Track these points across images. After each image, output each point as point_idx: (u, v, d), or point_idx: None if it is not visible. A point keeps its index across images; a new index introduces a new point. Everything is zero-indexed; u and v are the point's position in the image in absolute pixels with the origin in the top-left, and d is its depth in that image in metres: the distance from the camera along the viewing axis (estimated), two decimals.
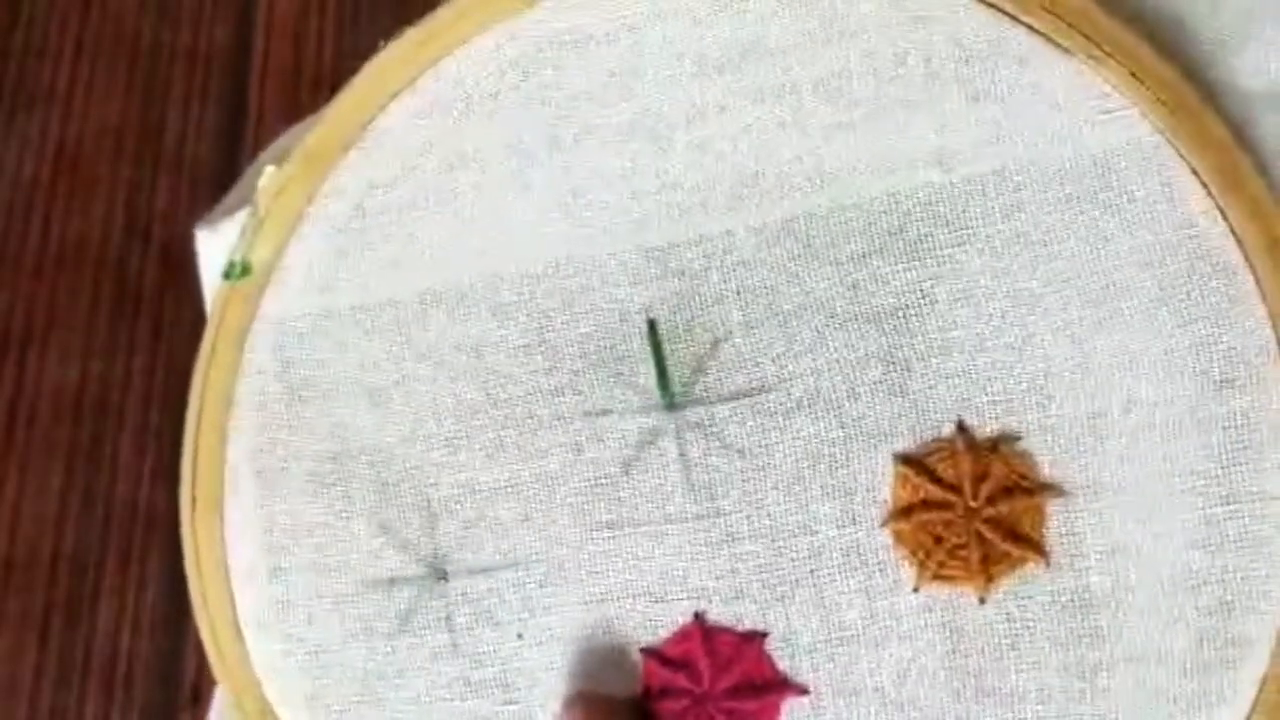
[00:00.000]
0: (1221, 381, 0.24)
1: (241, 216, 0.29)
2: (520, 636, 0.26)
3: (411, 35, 0.28)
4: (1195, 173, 0.24)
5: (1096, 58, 0.24)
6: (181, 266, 0.44)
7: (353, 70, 0.47)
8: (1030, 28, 0.25)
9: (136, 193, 0.45)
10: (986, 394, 0.24)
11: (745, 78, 0.25)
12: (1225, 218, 0.24)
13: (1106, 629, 0.24)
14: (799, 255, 0.25)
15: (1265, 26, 0.25)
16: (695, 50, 0.26)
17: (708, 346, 0.26)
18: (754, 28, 0.26)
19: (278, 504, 0.27)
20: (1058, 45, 0.25)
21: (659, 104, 0.26)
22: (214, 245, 0.30)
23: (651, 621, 0.26)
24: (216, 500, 0.28)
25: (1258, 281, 0.24)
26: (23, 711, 0.39)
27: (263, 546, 0.28)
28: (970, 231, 0.25)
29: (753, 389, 0.25)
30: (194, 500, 0.28)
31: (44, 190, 0.46)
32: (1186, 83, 0.24)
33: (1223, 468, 0.24)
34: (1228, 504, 0.24)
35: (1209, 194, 0.24)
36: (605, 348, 0.26)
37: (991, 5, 0.25)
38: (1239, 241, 0.24)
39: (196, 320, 0.43)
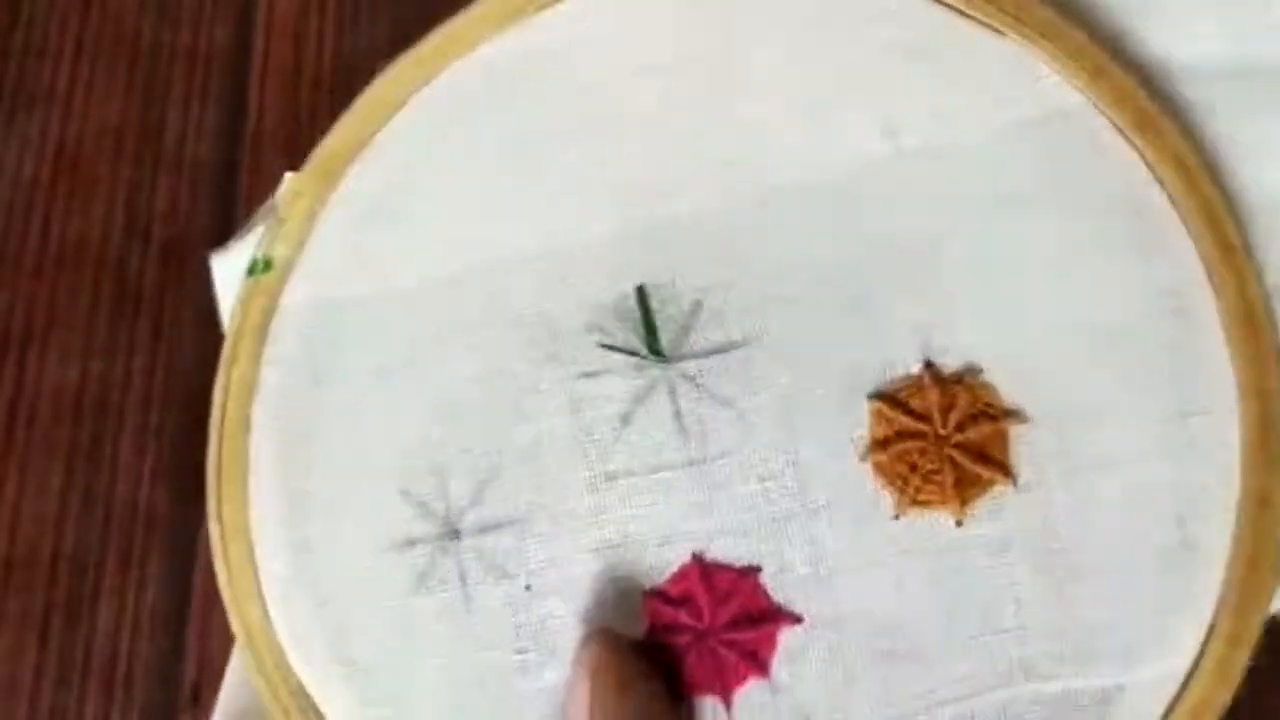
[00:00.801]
0: (1160, 309, 0.27)
1: (251, 237, 0.32)
2: (528, 588, 0.28)
3: (416, 50, 0.31)
4: (1118, 128, 0.28)
5: (1028, 38, 0.28)
6: (181, 266, 0.44)
7: (352, 69, 0.47)
8: (973, 18, 0.28)
9: (136, 193, 0.45)
10: (949, 334, 0.27)
11: (712, 76, 0.29)
12: (1148, 165, 0.27)
13: (1073, 542, 0.26)
14: (771, 223, 0.28)
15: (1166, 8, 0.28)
16: (666, 53, 0.29)
17: (691, 307, 0.28)
18: (711, 32, 0.29)
19: (299, 479, 0.30)
20: (995, 30, 0.28)
21: (633, 100, 0.29)
22: (228, 268, 0.33)
23: (653, 565, 0.28)
24: (241, 481, 0.30)
25: (1182, 219, 0.27)
26: (23, 711, 0.39)
27: (285, 520, 0.29)
28: (924, 192, 0.28)
29: (733, 343, 0.28)
30: (219, 483, 0.30)
31: (44, 190, 0.46)
32: (1103, 52, 0.28)
33: (1169, 386, 0.26)
34: (1173, 420, 0.26)
35: (1131, 144, 0.28)
36: (597, 315, 0.29)
37: (939, 2, 0.28)
38: (1161, 184, 0.27)
39: (196, 320, 0.44)
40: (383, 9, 0.47)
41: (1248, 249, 0.27)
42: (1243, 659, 0.26)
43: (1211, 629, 0.26)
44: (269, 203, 0.34)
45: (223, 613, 0.39)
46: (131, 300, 0.44)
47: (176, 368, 0.43)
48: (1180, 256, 0.27)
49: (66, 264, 0.44)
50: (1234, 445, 0.26)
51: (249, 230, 0.33)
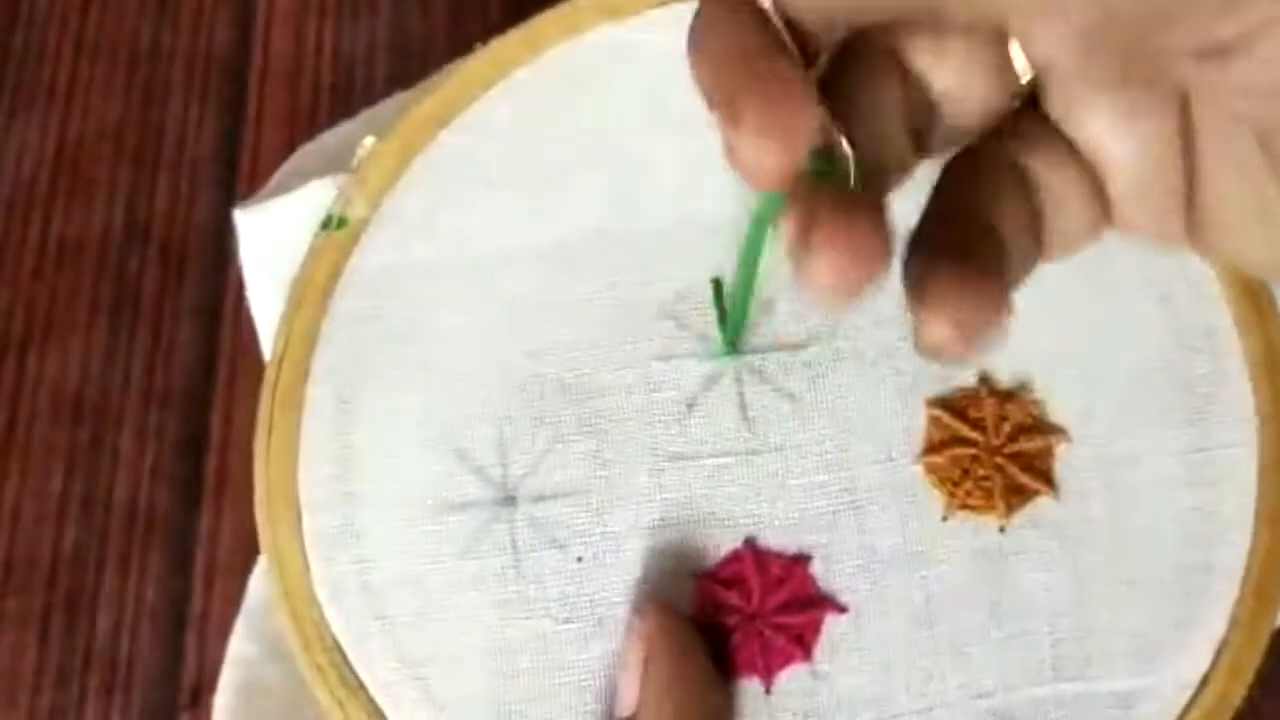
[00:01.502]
0: (1189, 348, 0.29)
1: (281, 200, 0.32)
2: (580, 560, 0.28)
3: (521, 29, 0.32)
4: None
5: None
6: (181, 266, 0.44)
7: (351, 69, 0.47)
8: None
9: (136, 193, 0.45)
10: (1004, 351, 0.29)
11: None
12: None
13: (1104, 555, 0.28)
14: None
15: None
16: None
17: (764, 304, 0.29)
18: None
19: (357, 432, 0.30)
20: None
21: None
22: (252, 225, 0.33)
23: (705, 547, 0.28)
24: (293, 428, 0.30)
25: (1216, 271, 0.30)
26: (23, 711, 0.39)
27: (335, 473, 0.30)
28: None
29: (803, 342, 0.29)
30: (270, 431, 0.30)
31: (44, 190, 0.46)
32: None
33: (1197, 417, 0.28)
34: (1200, 450, 0.28)
35: None
36: (671, 301, 0.30)
37: None
38: None
39: (197, 320, 0.44)
40: (382, 10, 0.47)
41: (1272, 298, 0.30)
42: (1251, 669, 0.27)
43: (1224, 641, 0.28)
44: (286, 166, 0.35)
45: (223, 612, 0.39)
46: (131, 300, 0.44)
47: (176, 368, 0.43)
48: (1213, 302, 0.30)
49: (66, 264, 0.45)
50: (1252, 473, 0.29)
51: (272, 191, 0.34)
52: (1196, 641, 0.27)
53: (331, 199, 0.31)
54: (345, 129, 0.36)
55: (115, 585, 0.40)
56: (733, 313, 0.29)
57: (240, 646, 0.33)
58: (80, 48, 0.48)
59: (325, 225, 0.31)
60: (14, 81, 0.47)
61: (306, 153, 0.35)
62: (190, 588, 0.40)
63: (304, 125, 0.45)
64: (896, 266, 0.28)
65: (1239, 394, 0.29)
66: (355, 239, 0.31)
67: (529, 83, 0.32)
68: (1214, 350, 0.29)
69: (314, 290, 0.31)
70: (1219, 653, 0.27)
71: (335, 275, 0.31)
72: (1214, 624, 0.28)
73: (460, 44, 0.38)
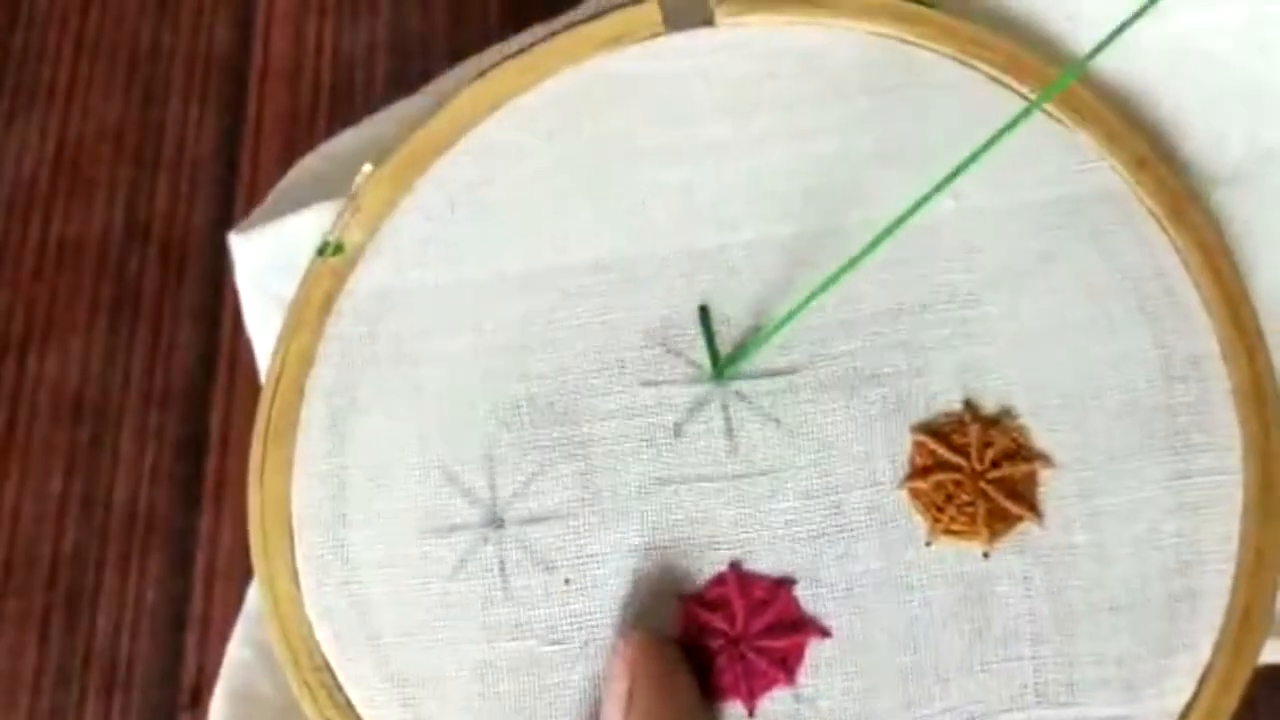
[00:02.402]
0: (1175, 375, 0.29)
1: (275, 224, 0.33)
2: (568, 582, 0.29)
3: (520, 58, 0.32)
4: (1154, 215, 0.30)
5: (1078, 123, 0.31)
6: (181, 266, 0.44)
7: (351, 69, 0.47)
8: (1026, 98, 0.31)
9: (136, 193, 0.45)
10: (991, 378, 0.29)
11: (796, 119, 0.31)
12: (1177, 249, 0.30)
13: (1089, 581, 0.28)
14: (834, 257, 0.29)
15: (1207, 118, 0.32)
16: (752, 96, 0.32)
17: (751, 331, 0.30)
18: (799, 81, 0.32)
19: (350, 455, 0.30)
20: (1047, 113, 0.31)
21: (717, 132, 0.31)
22: (247, 249, 0.34)
23: (691, 570, 0.29)
24: (288, 449, 0.30)
25: (1203, 299, 0.30)
26: (23, 711, 0.39)
27: (329, 493, 0.30)
28: (978, 249, 0.30)
29: (790, 368, 0.30)
30: (264, 451, 0.30)
31: (44, 190, 0.46)
32: (1146, 144, 0.31)
33: (1182, 446, 0.29)
34: (1185, 478, 0.28)
35: (1164, 229, 0.30)
36: (660, 328, 0.30)
37: (997, 81, 0.31)
38: (1187, 266, 0.30)
39: (197, 320, 0.44)
40: (382, 10, 0.47)
41: (1259, 329, 0.30)
42: (1234, 700, 0.28)
43: (1207, 669, 0.28)
44: (283, 183, 0.35)
45: (222, 613, 0.39)
46: (131, 300, 0.44)
47: (176, 368, 0.43)
48: (1199, 331, 0.30)
49: (66, 264, 0.45)
50: (1237, 502, 0.29)
51: (266, 214, 0.34)
52: (1180, 669, 0.28)
53: (327, 224, 0.32)
54: (340, 142, 0.36)
55: (115, 585, 0.40)
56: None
57: (237, 652, 0.33)
58: (80, 48, 0.48)
59: (321, 251, 0.32)
60: (14, 81, 0.47)
61: (302, 168, 0.35)
62: (190, 588, 0.40)
63: (304, 125, 0.45)
64: (882, 296, 0.28)
65: (1224, 422, 0.29)
66: (351, 264, 0.32)
67: (528, 110, 0.32)
68: (1200, 377, 0.29)
69: (310, 314, 0.31)
70: (1203, 681, 0.28)
71: (330, 300, 0.31)
72: (1198, 652, 0.28)
73: (460, 44, 0.38)
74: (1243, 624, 0.28)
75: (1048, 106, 0.31)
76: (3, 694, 0.39)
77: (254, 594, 0.34)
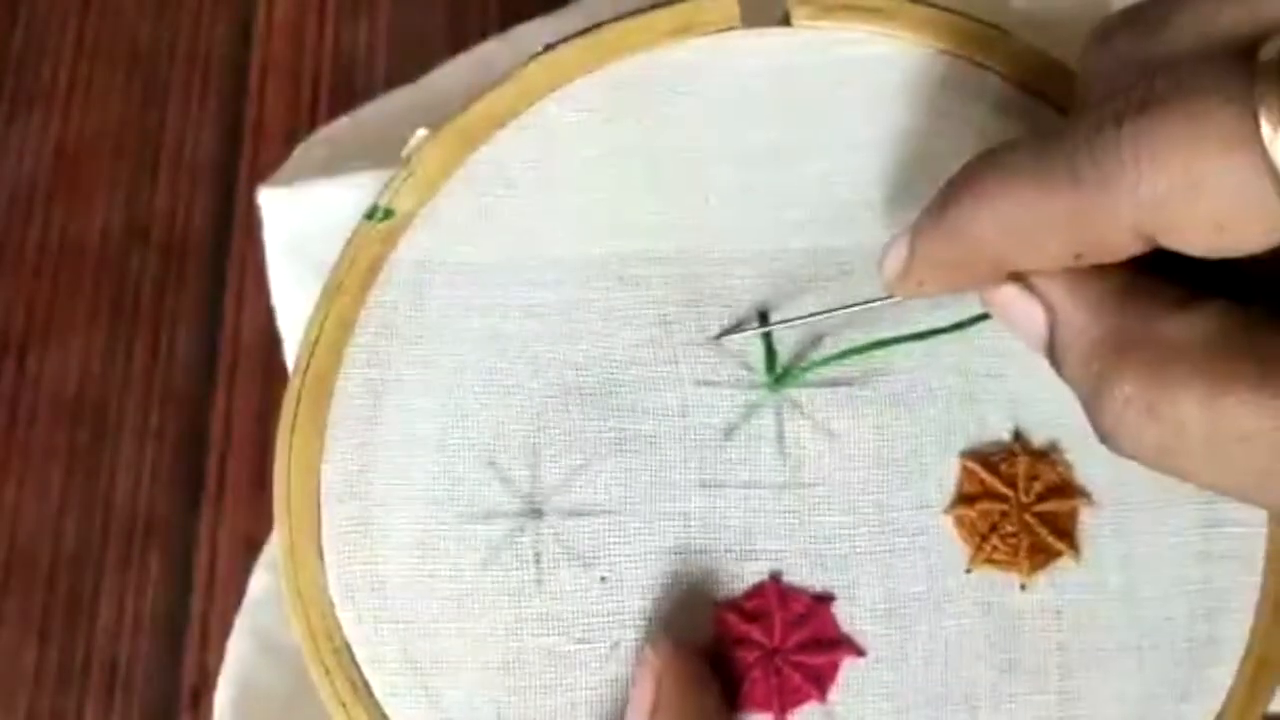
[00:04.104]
0: None
1: (309, 186, 0.33)
2: (604, 580, 0.28)
3: (579, 41, 0.31)
4: None
5: None
6: (181, 266, 0.44)
7: (351, 69, 0.47)
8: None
9: (136, 193, 0.45)
10: (1040, 410, 0.29)
11: (861, 129, 0.31)
12: None
13: (1117, 621, 0.28)
14: None
15: None
16: (819, 103, 0.31)
17: (808, 339, 0.29)
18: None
19: (386, 429, 0.29)
20: None
21: (782, 135, 0.31)
22: (278, 208, 0.33)
23: (729, 578, 0.28)
24: (320, 418, 0.29)
25: None
26: (23, 711, 0.39)
27: (363, 467, 0.29)
28: None
29: (849, 380, 0.29)
30: (295, 416, 0.29)
31: (44, 190, 0.46)
32: None
33: (1210, 495, 0.28)
34: (1214, 526, 0.29)
35: None
36: (716, 328, 0.29)
37: (1063, 111, 0.30)
38: None
39: (197, 320, 0.44)
40: (382, 9, 0.47)
41: None
42: None
43: (1220, 715, 0.28)
44: (305, 143, 0.35)
45: (222, 613, 0.39)
46: (131, 300, 0.44)
47: (176, 368, 0.43)
48: None
49: (66, 264, 0.45)
50: (1260, 554, 0.29)
51: (289, 174, 0.34)
52: (1195, 714, 0.28)
53: (368, 189, 0.31)
54: (352, 119, 0.35)
55: (115, 585, 0.40)
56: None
57: (240, 642, 0.33)
58: (80, 48, 0.48)
59: (370, 215, 0.31)
60: (14, 81, 0.47)
61: (312, 143, 0.35)
62: (190, 588, 0.40)
63: (304, 125, 0.45)
64: (940, 316, 0.28)
65: None
66: (400, 231, 0.30)
67: (591, 91, 0.32)
68: None
69: (354, 279, 0.30)
70: None
71: (376, 266, 0.30)
72: (1213, 698, 0.28)
73: (460, 43, 0.38)
74: (1257, 672, 0.28)
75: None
76: (3, 694, 0.39)
77: (257, 583, 0.34)
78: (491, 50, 0.37)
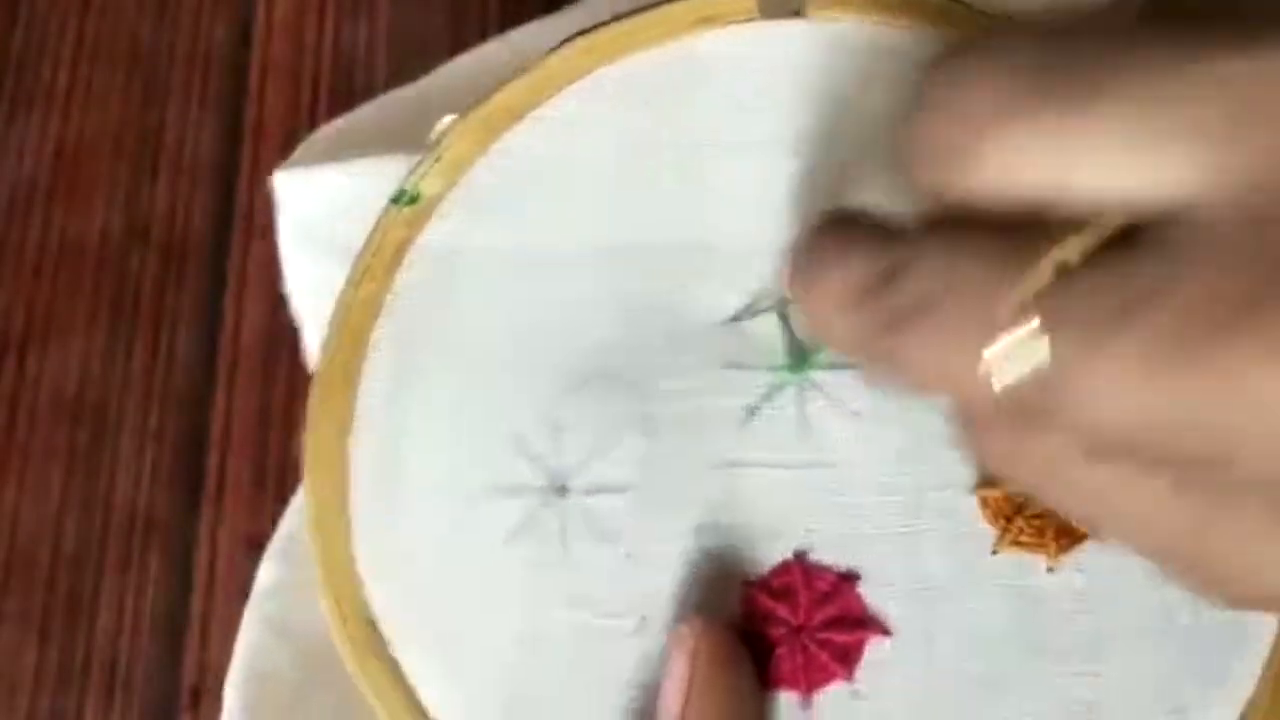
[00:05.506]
0: None
1: (325, 170, 0.33)
2: (629, 556, 0.28)
3: (604, 32, 0.32)
4: None
5: None
6: (181, 266, 0.44)
7: (351, 69, 0.47)
8: None
9: (136, 193, 0.45)
10: None
11: (880, 121, 0.31)
12: None
13: (1145, 603, 0.27)
14: None
15: None
16: (837, 94, 0.31)
17: None
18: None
19: (412, 410, 0.30)
20: None
21: (802, 126, 0.31)
22: (294, 191, 0.33)
23: (755, 556, 0.28)
24: (348, 397, 0.30)
25: None
26: (23, 711, 0.39)
27: (391, 440, 0.30)
28: None
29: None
30: (323, 394, 0.30)
31: (44, 190, 0.46)
32: None
33: None
34: None
35: None
36: (737, 315, 0.30)
37: None
38: None
39: (197, 320, 0.44)
40: (382, 9, 0.47)
41: None
42: None
43: (1251, 701, 0.27)
44: (311, 135, 0.35)
45: (222, 613, 0.39)
46: (131, 300, 0.44)
47: (176, 368, 0.43)
48: None
49: (66, 264, 0.45)
50: None
51: (302, 158, 0.34)
52: (1225, 698, 0.27)
53: (389, 174, 0.31)
54: (353, 116, 0.36)
55: (115, 586, 0.40)
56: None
57: (250, 632, 0.33)
58: (80, 48, 0.48)
59: (396, 200, 0.31)
60: (14, 81, 0.47)
61: (315, 140, 0.35)
62: (190, 588, 0.40)
63: (304, 125, 0.45)
64: None
65: None
66: (426, 216, 0.31)
67: (610, 84, 0.32)
68: None
69: (380, 263, 0.31)
70: (1244, 715, 0.27)
71: (402, 250, 0.31)
72: (1243, 683, 0.27)
73: (460, 44, 0.38)
74: None
75: None
76: (3, 694, 0.39)
77: (265, 574, 0.34)
78: (491, 51, 0.37)
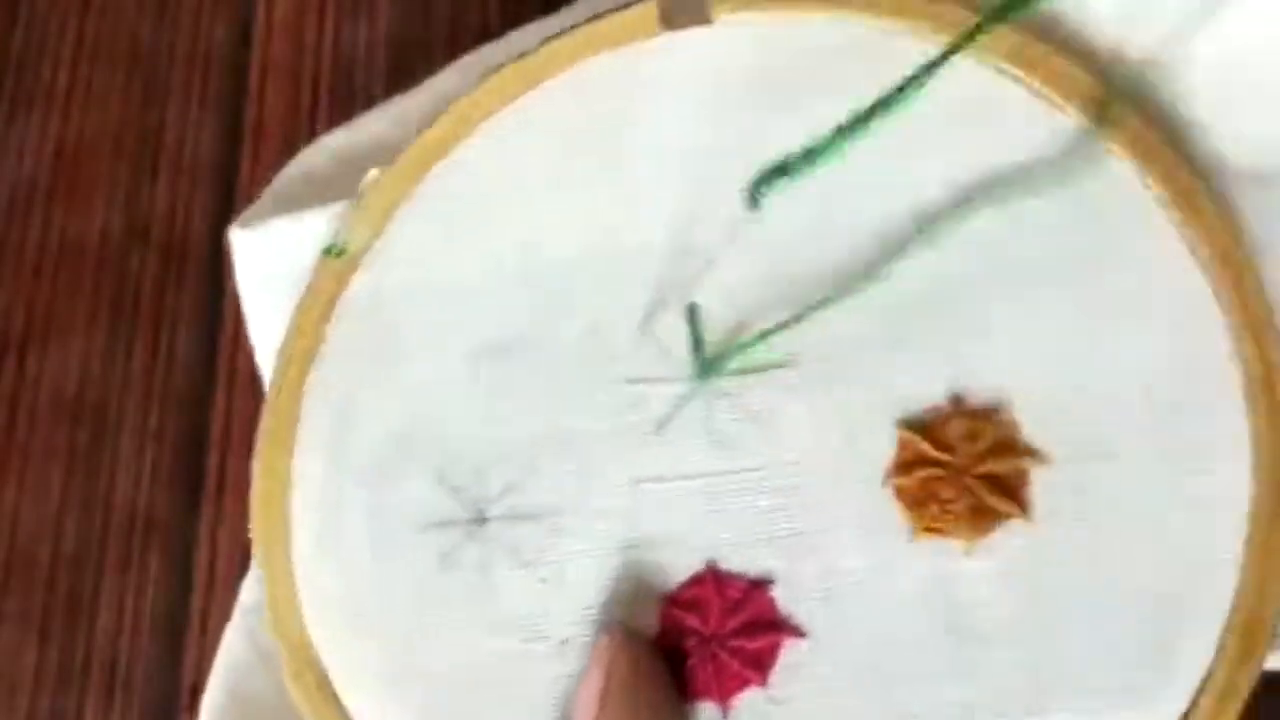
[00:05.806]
0: (1185, 371, 0.28)
1: (274, 224, 0.34)
2: (544, 581, 0.29)
3: (516, 65, 0.33)
4: (1162, 203, 0.29)
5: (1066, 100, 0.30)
6: (181, 266, 0.44)
7: (351, 69, 0.47)
8: (1031, 87, 0.30)
9: (136, 193, 0.45)
10: (982, 372, 0.28)
11: (795, 117, 0.30)
12: (1188, 242, 0.29)
13: (1080, 583, 0.27)
14: (824, 252, 0.30)
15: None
16: (752, 94, 0.32)
17: (738, 328, 0.29)
18: (792, 72, 0.32)
19: (348, 454, 0.31)
20: (1050, 100, 0.30)
21: (715, 131, 0.31)
22: (248, 247, 0.34)
23: (670, 570, 0.28)
24: (288, 448, 0.31)
25: (1214, 292, 0.28)
26: (23, 711, 0.39)
27: (326, 487, 0.31)
28: (976, 238, 0.29)
29: (773, 364, 0.29)
30: (266, 448, 0.31)
31: (44, 190, 0.46)
32: (1158, 135, 0.30)
33: (1187, 444, 0.27)
34: (1189, 475, 0.27)
35: (1173, 221, 0.29)
36: (647, 325, 0.30)
37: (1004, 74, 0.30)
38: (1198, 259, 0.28)
39: (196, 321, 0.44)
40: (381, 9, 0.47)
41: (1271, 317, 0.28)
42: (1234, 710, 0.26)
43: (1206, 678, 0.26)
44: (279, 179, 0.35)
45: (223, 613, 0.39)
46: (131, 300, 0.44)
47: (176, 368, 0.43)
48: (1208, 325, 0.28)
49: (66, 264, 0.45)
50: (1244, 504, 0.27)
51: (265, 208, 0.35)
52: (1176, 678, 0.26)
53: (330, 226, 0.33)
54: (336, 139, 0.36)
55: (115, 586, 0.40)
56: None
57: (231, 649, 0.33)
58: (80, 48, 0.48)
59: (327, 252, 0.32)
60: (14, 81, 0.47)
61: (299, 164, 0.36)
62: (190, 588, 0.40)
63: (304, 125, 0.45)
64: (869, 289, 0.28)
65: (1232, 419, 0.27)
66: (353, 267, 0.32)
67: (529, 111, 0.33)
68: (1208, 372, 0.28)
69: (311, 318, 0.32)
70: (1201, 690, 0.26)
71: (332, 304, 0.32)
72: (1195, 660, 0.26)
73: (460, 44, 0.38)
74: (1245, 631, 0.26)
75: (1053, 93, 0.30)
76: (3, 694, 0.39)
77: (247, 589, 0.34)
78: (491, 53, 0.37)
